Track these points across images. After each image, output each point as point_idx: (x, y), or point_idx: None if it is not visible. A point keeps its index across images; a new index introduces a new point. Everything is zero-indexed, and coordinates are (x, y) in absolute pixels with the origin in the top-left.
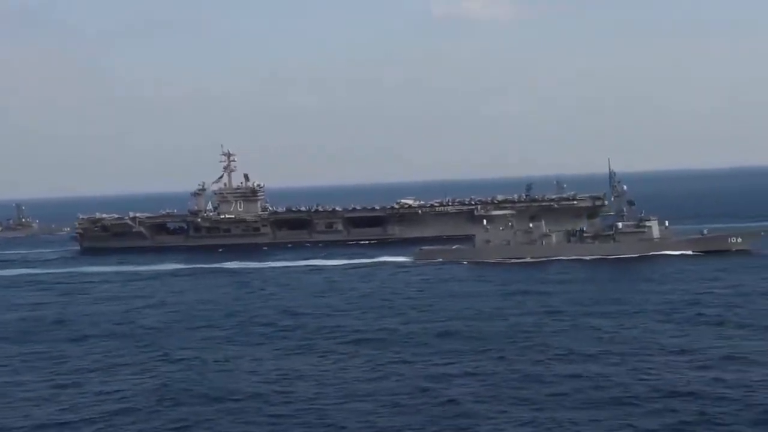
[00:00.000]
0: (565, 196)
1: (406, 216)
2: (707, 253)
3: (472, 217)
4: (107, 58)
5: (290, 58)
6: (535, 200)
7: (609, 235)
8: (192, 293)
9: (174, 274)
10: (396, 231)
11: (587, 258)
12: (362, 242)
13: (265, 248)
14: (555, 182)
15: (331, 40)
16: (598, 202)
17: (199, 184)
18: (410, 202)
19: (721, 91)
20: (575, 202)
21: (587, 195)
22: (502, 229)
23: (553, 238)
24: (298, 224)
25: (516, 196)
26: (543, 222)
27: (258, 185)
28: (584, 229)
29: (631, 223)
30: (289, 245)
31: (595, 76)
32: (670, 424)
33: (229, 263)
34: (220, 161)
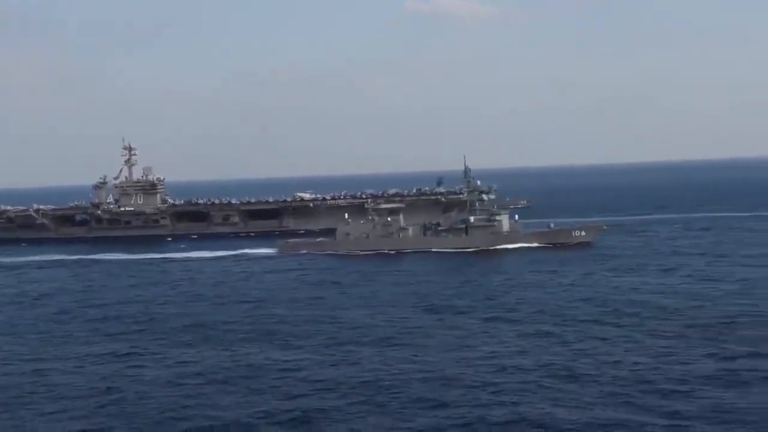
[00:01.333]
0: (452, 189)
1: (299, 209)
2: (554, 245)
3: (362, 210)
4: (100, 58)
5: (272, 57)
6: (423, 194)
7: (461, 228)
8: (14, 287)
9: (33, 265)
10: (291, 223)
11: (441, 250)
12: (255, 233)
13: (170, 239)
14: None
15: (302, 37)
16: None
17: (100, 177)
18: (306, 195)
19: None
20: (461, 196)
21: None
22: (363, 223)
23: (410, 231)
24: (197, 216)
25: (406, 191)
26: (401, 216)
27: (158, 179)
28: (440, 222)
29: (482, 217)
30: (169, 239)
31: (561, 74)
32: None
33: (98, 255)
34: (122, 155)
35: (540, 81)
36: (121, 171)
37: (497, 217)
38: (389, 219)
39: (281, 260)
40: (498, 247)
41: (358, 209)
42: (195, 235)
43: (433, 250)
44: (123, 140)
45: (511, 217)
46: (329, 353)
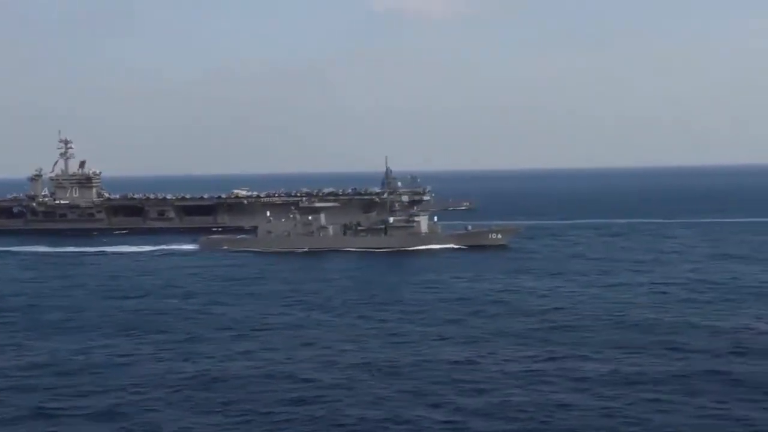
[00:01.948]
0: (387, 190)
1: (234, 206)
2: (471, 247)
3: (297, 208)
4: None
5: (242, 53)
6: (359, 193)
7: (381, 228)
8: None
9: None
10: (225, 220)
11: (361, 250)
12: (190, 229)
13: (96, 233)
14: (409, 177)
15: (273, 35)
16: (416, 197)
17: (36, 170)
18: (242, 192)
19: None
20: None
21: (408, 189)
22: (284, 221)
23: (330, 230)
24: (133, 211)
25: (341, 190)
26: (322, 215)
27: (94, 172)
28: (360, 222)
29: (401, 218)
30: (95, 233)
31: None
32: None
33: (20, 247)
34: (57, 148)
35: (515, 81)
36: (56, 164)
37: (416, 219)
38: (310, 218)
39: (196, 256)
40: (416, 247)
41: (293, 207)
42: (125, 230)
43: (352, 249)
44: (59, 133)
45: (431, 219)
46: (172, 348)
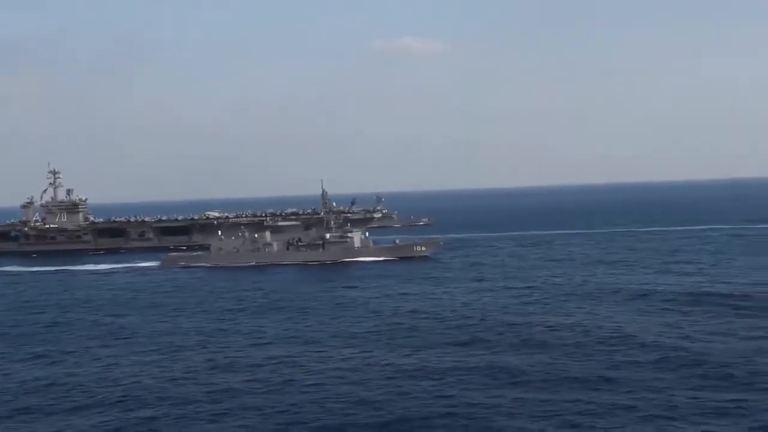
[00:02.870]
0: (341, 208)
1: (206, 226)
2: (399, 258)
3: (262, 227)
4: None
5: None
6: (316, 213)
7: (319, 243)
8: None
9: None
10: (199, 239)
11: (302, 263)
12: (167, 248)
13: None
14: (375, 197)
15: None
16: (368, 215)
17: (27, 198)
18: (214, 213)
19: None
20: (349, 215)
21: (360, 208)
22: (234, 239)
23: (275, 246)
24: (116, 233)
25: (301, 210)
26: (267, 232)
27: (80, 199)
28: (300, 238)
29: (337, 234)
30: (36, 253)
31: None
32: None
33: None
34: (47, 178)
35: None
36: (45, 191)
37: (350, 234)
38: (256, 235)
39: (150, 273)
40: (350, 259)
41: (258, 226)
42: (102, 250)
43: (294, 262)
44: (48, 165)
45: (363, 234)
46: (32, 357)
